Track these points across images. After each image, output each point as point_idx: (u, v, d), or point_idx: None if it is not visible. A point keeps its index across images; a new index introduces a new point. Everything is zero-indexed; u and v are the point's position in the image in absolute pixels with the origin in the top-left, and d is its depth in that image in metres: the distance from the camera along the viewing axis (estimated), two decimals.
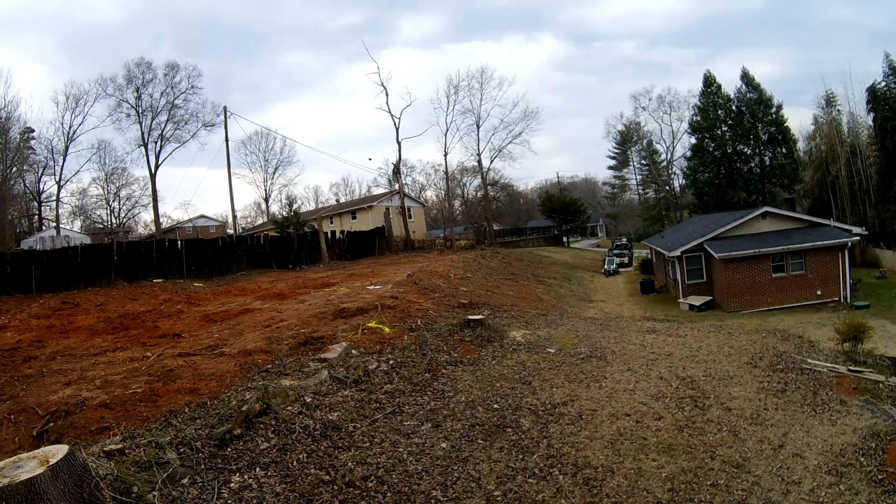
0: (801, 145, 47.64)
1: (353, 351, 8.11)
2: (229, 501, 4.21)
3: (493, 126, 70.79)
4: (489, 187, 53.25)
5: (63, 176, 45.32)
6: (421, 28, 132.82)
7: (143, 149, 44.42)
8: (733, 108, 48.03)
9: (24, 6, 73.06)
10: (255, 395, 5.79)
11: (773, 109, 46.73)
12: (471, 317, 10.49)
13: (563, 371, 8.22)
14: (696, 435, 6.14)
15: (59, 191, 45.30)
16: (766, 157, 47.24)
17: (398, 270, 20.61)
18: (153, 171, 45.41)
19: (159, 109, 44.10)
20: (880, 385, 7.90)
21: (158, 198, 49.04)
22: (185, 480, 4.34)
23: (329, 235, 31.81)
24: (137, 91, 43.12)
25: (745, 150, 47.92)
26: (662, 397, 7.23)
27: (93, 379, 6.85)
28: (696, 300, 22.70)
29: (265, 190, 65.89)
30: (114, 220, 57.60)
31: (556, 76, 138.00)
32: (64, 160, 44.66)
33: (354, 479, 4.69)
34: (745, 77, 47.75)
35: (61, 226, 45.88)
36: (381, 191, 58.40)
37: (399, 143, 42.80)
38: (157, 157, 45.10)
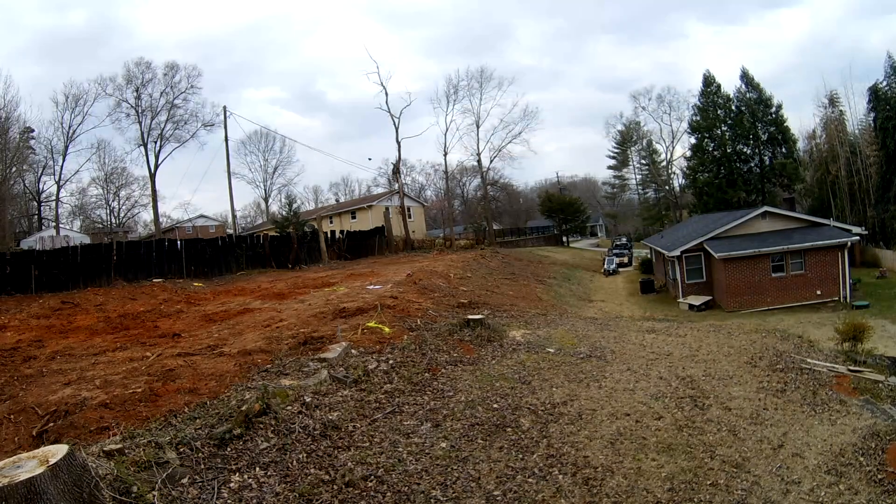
0: (801, 145, 47.77)
1: (353, 351, 8.11)
2: (229, 501, 4.21)
3: (493, 126, 70.89)
4: (489, 187, 53.26)
5: (63, 176, 45.28)
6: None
7: (142, 149, 44.35)
8: (733, 107, 48.03)
9: None
10: (255, 395, 5.79)
11: (773, 109, 46.73)
12: (470, 316, 10.49)
13: (563, 371, 8.22)
14: (696, 434, 6.14)
15: (58, 191, 45.28)
16: (766, 157, 47.25)
17: (398, 270, 20.61)
18: (153, 171, 45.36)
19: (159, 109, 44.04)
20: (880, 385, 7.90)
21: (158, 197, 49.01)
22: (184, 480, 4.34)
23: (329, 235, 31.81)
24: (137, 91, 43.05)
25: (745, 149, 47.92)
26: (662, 397, 7.23)
27: (92, 379, 6.84)
28: (696, 300, 22.71)
29: (265, 190, 65.99)
30: (113, 220, 57.61)
31: None
32: (63, 160, 44.63)
33: (354, 479, 4.69)
34: (745, 77, 47.79)
35: (61, 226, 45.84)
36: (380, 190, 58.49)
37: (399, 143, 42.89)
38: (157, 157, 45.05)
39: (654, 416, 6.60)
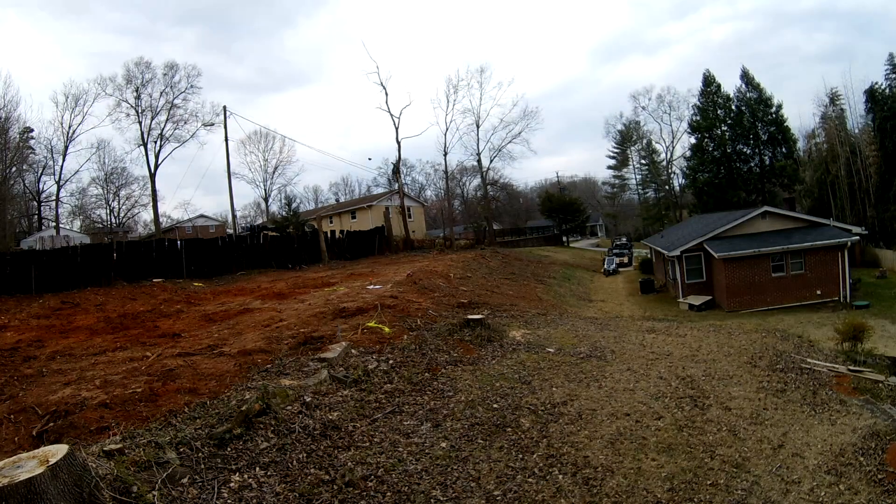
0: (800, 145, 47.82)
1: (353, 350, 8.11)
2: (229, 501, 4.21)
3: (493, 126, 71.00)
4: (489, 187, 53.26)
5: (63, 176, 45.25)
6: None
7: (142, 148, 44.33)
8: (733, 107, 48.08)
9: None
10: (255, 395, 5.79)
11: (773, 109, 46.77)
12: (470, 316, 10.49)
13: (563, 371, 8.22)
14: (696, 434, 6.14)
15: (58, 190, 45.24)
16: (766, 157, 47.31)
17: (398, 270, 20.60)
18: (153, 171, 45.32)
19: (159, 109, 44.01)
20: (880, 385, 7.90)
21: (158, 197, 49.01)
22: (184, 480, 4.34)
23: (329, 235, 31.78)
24: (137, 91, 43.02)
25: (745, 149, 48.01)
26: (662, 397, 7.23)
27: (92, 379, 6.84)
28: (696, 300, 22.71)
29: (265, 190, 65.92)
30: (113, 220, 57.55)
31: None
32: (63, 160, 44.61)
33: (354, 479, 4.69)
34: (745, 76, 47.83)
35: (61, 225, 45.82)
36: (380, 190, 58.49)
37: (399, 143, 42.91)
38: (157, 157, 45.02)
39: (654, 415, 6.60)
